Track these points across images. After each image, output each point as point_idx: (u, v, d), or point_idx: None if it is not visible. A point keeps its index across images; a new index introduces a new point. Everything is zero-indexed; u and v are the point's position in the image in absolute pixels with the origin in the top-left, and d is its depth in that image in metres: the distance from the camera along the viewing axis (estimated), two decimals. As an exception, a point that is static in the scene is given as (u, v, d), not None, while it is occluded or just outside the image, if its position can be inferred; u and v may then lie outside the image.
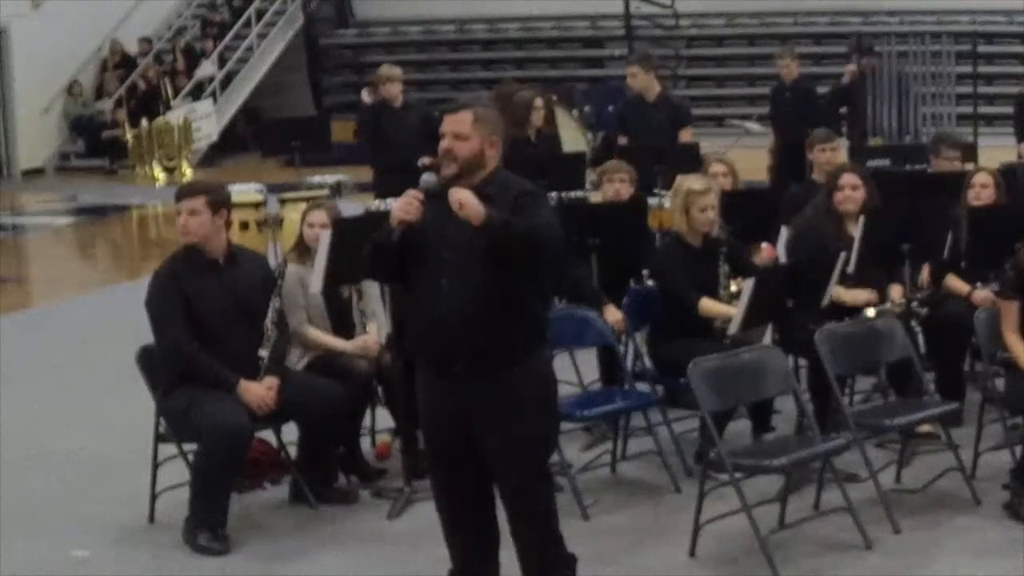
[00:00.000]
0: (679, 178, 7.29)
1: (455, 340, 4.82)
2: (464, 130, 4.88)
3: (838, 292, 7.00)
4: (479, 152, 4.88)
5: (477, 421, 4.89)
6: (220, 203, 6.30)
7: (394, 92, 11.37)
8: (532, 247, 4.76)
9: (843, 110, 14.44)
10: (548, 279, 5.19)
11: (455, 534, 5.15)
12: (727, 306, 6.86)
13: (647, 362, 7.17)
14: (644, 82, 11.19)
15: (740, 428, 7.00)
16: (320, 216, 6.92)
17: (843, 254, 6.97)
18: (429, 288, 4.87)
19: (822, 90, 14.33)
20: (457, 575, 5.19)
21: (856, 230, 7.27)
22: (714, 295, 6.95)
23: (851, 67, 14.58)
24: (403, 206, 4.80)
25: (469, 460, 4.98)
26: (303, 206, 7.41)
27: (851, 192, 7.35)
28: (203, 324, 6.21)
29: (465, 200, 4.68)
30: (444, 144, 4.90)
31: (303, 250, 6.92)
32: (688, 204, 7.02)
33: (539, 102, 11.21)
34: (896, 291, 7.34)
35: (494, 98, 13.71)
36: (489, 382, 4.85)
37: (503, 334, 4.83)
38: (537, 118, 11.13)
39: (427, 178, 4.91)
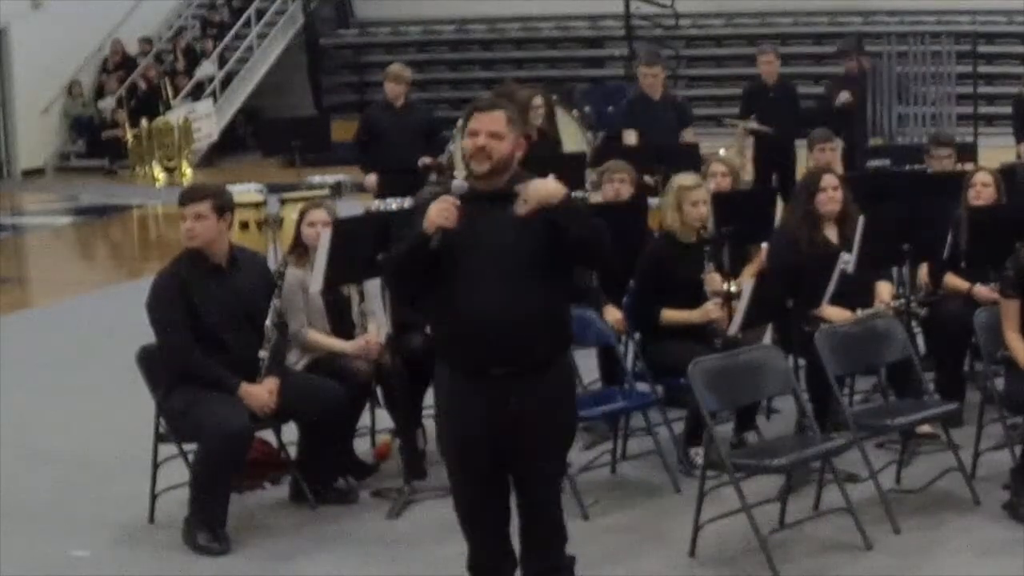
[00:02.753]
0: (674, 176, 7.38)
1: (495, 343, 4.80)
2: (500, 129, 4.86)
3: (824, 309, 7.00)
4: (511, 152, 4.89)
5: (509, 422, 4.88)
6: (225, 207, 6.31)
7: (397, 92, 11.36)
8: (599, 239, 4.84)
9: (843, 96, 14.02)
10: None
11: (476, 532, 5.11)
12: (687, 312, 6.95)
13: (647, 362, 7.19)
14: (661, 81, 11.30)
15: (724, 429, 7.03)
16: (320, 215, 6.92)
17: (843, 254, 6.97)
18: (467, 292, 4.83)
19: (819, 91, 14.31)
20: (478, 567, 5.16)
21: (833, 233, 7.32)
22: (701, 291, 6.99)
23: (851, 63, 14.49)
24: (441, 212, 4.77)
25: (494, 460, 4.97)
26: (303, 206, 7.41)
27: (833, 193, 7.36)
28: (206, 328, 6.21)
29: (548, 182, 4.75)
30: (479, 142, 4.84)
31: (302, 252, 6.91)
32: (680, 200, 7.11)
33: (538, 100, 11.22)
34: (884, 289, 7.35)
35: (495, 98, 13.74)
36: (525, 384, 4.85)
37: (542, 336, 4.86)
38: (535, 117, 11.13)
39: (459, 183, 4.88)
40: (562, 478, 5.17)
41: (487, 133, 4.85)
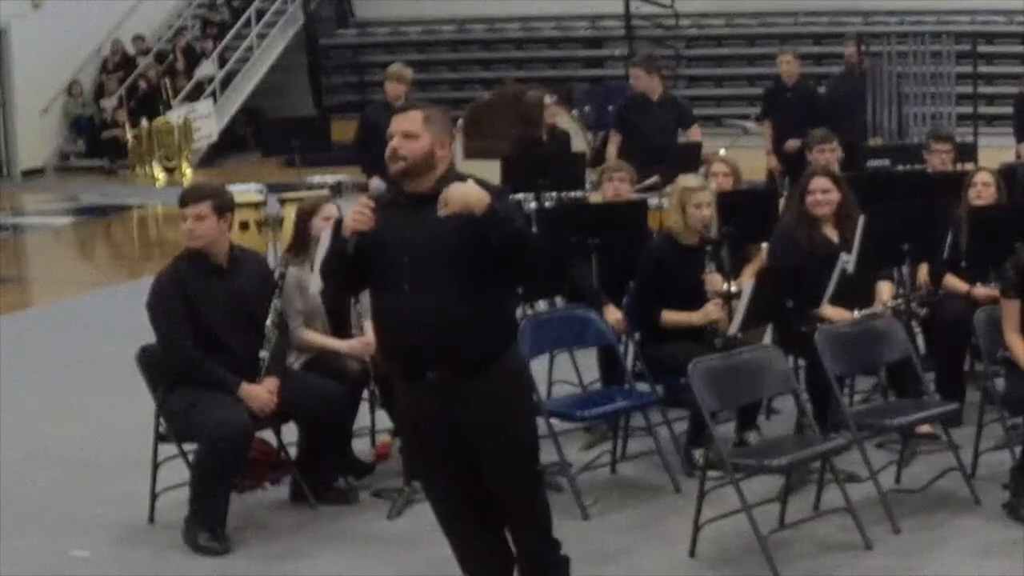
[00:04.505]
0: (679, 177, 7.39)
1: (423, 346, 4.75)
2: (414, 129, 4.80)
3: (823, 308, 7.00)
4: (429, 152, 4.79)
5: (458, 425, 4.84)
6: (225, 207, 6.31)
7: (398, 91, 11.36)
8: (525, 245, 4.71)
9: None
10: (529, 280, 5.09)
11: (452, 533, 5.12)
12: (687, 313, 6.94)
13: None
14: (647, 84, 11.28)
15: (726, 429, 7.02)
16: (332, 210, 6.88)
17: (843, 254, 6.97)
18: (392, 296, 4.79)
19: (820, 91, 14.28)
20: (465, 568, 5.15)
21: (833, 233, 7.32)
22: (701, 293, 6.98)
23: (851, 52, 14.46)
24: (355, 215, 4.75)
25: (458, 463, 4.94)
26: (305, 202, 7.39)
27: (821, 196, 7.32)
28: (206, 328, 6.21)
29: (470, 190, 4.62)
30: (393, 143, 4.81)
31: (300, 250, 6.90)
32: (684, 201, 7.10)
33: (549, 99, 11.25)
34: (885, 289, 7.35)
35: (495, 98, 13.77)
36: (464, 386, 4.78)
37: (472, 336, 4.74)
38: (549, 116, 11.17)
39: (377, 185, 4.87)
40: (532, 487, 5.02)
41: (401, 133, 4.81)
